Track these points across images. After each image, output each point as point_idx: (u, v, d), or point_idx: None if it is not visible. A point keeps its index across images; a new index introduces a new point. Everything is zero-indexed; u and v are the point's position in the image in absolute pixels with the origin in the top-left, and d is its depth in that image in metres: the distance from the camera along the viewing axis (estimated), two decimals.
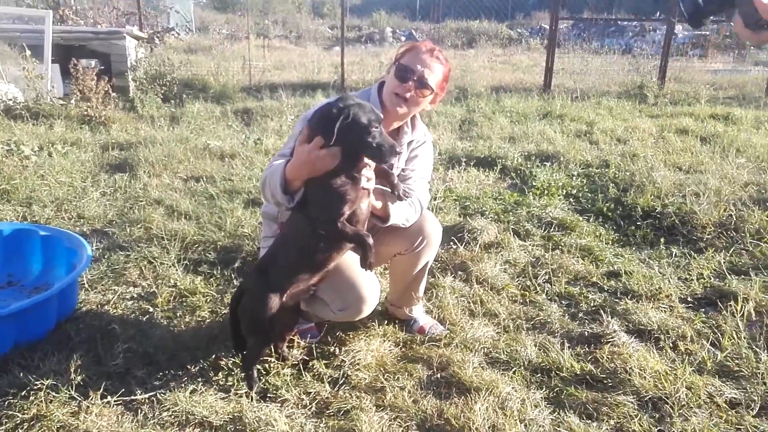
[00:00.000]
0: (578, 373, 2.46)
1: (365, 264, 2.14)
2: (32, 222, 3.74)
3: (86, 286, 3.02)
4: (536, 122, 7.21)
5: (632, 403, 2.26)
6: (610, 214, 4.26)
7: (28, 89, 7.27)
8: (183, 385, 2.26)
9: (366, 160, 2.07)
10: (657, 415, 2.21)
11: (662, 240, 3.86)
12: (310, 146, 1.99)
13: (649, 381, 2.36)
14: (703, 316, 2.95)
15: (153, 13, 12.75)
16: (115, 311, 2.82)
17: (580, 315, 2.98)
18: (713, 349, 2.64)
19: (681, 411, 2.19)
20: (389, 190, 2.26)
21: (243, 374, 2.30)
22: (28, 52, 7.31)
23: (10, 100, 6.99)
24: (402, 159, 2.52)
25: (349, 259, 2.37)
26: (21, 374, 2.19)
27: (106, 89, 7.13)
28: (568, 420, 2.16)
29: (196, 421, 2.07)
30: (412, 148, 2.56)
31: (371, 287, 2.39)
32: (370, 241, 2.12)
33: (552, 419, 2.18)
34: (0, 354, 2.34)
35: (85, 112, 6.83)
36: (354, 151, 2.03)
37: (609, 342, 2.66)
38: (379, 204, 2.28)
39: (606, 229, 4.07)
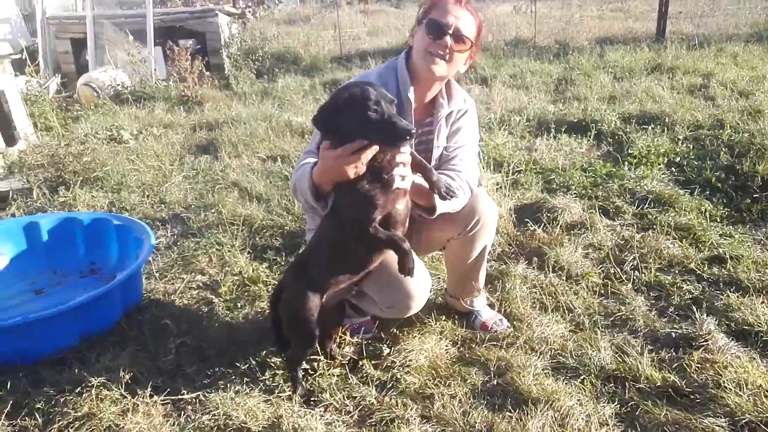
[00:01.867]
0: (659, 384, 2.14)
1: (404, 270, 1.96)
2: (119, 208, 3.93)
3: (155, 274, 3.10)
4: (643, 78, 6.49)
5: (723, 428, 1.92)
6: (719, 185, 3.72)
7: (134, 73, 7.69)
8: (229, 384, 2.24)
9: (398, 158, 1.87)
10: None
11: None
12: (335, 152, 1.83)
13: (747, 400, 2.00)
14: None
15: None
16: (180, 301, 2.87)
17: (670, 311, 2.61)
18: None
19: None
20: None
21: (287, 375, 2.24)
22: (130, 37, 7.72)
23: (119, 85, 7.42)
24: (442, 136, 2.28)
25: (394, 255, 2.20)
26: (78, 370, 2.27)
27: (200, 68, 7.35)
28: None
29: (235, 426, 2.03)
30: (453, 121, 2.31)
31: (420, 282, 2.21)
32: (407, 246, 1.94)
33: None
34: (66, 347, 2.44)
35: (183, 93, 7.09)
36: (362, 137, 1.81)
37: (701, 346, 2.30)
38: (422, 195, 2.08)
39: (713, 203, 3.55)
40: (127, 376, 2.21)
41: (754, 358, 2.23)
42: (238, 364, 2.37)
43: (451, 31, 2.08)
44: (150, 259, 3.21)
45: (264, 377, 2.30)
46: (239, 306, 2.81)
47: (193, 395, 2.19)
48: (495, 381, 2.21)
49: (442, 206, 2.12)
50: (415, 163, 1.98)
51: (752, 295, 2.63)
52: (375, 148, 1.83)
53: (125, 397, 2.14)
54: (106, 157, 4.60)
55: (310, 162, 2.00)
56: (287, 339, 2.23)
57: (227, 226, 3.51)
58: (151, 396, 2.15)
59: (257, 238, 3.45)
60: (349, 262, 2.07)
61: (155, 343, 2.47)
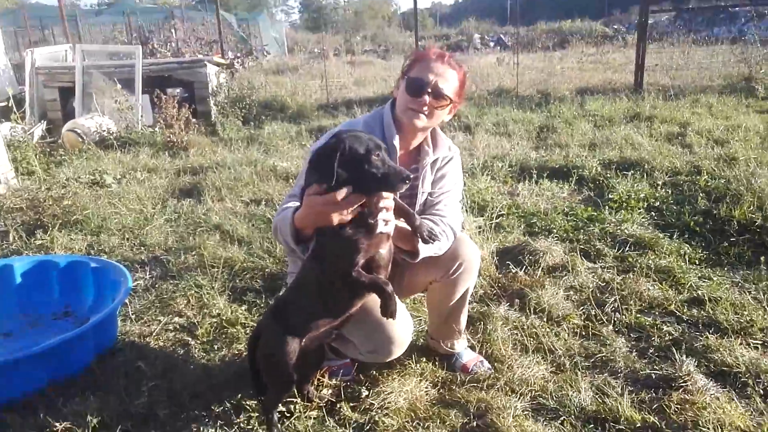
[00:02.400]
0: (639, 425, 2.11)
1: (386, 312, 1.94)
2: (98, 251, 3.88)
3: (131, 317, 3.05)
4: (622, 126, 6.66)
5: None
6: (698, 228, 3.77)
7: (120, 120, 7.75)
8: (202, 428, 2.17)
9: (382, 203, 1.89)
10: None
11: (762, 259, 3.34)
12: (323, 198, 1.82)
13: None
14: None
15: (234, 40, 13.27)
16: (155, 343, 2.81)
17: (650, 352, 2.59)
18: None
19: None
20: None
21: (263, 419, 2.18)
22: (118, 86, 7.83)
23: (104, 131, 7.46)
24: (427, 182, 2.31)
25: (376, 299, 2.19)
26: (43, 415, 2.19)
27: (187, 115, 7.44)
28: None
29: None
30: (438, 167, 2.34)
31: (402, 327, 2.19)
32: (390, 289, 1.92)
33: None
34: (34, 391, 2.37)
35: (168, 139, 7.14)
36: (361, 187, 1.84)
37: (681, 387, 2.28)
38: (405, 239, 2.08)
39: (692, 246, 3.59)
40: (94, 421, 2.14)
41: (733, 399, 2.21)
42: (212, 408, 2.31)
43: (430, 90, 2.12)
44: (126, 301, 3.16)
45: (239, 420, 2.24)
46: (216, 348, 2.76)
47: None
48: (474, 423, 2.17)
49: (424, 250, 2.12)
50: (398, 208, 1.99)
51: (731, 336, 2.63)
52: (362, 198, 1.85)
53: None
54: (87, 201, 4.59)
55: (292, 206, 1.99)
56: (264, 382, 2.18)
57: (207, 268, 3.48)
58: None
59: (237, 281, 3.42)
60: (329, 307, 2.04)
61: (127, 387, 2.40)
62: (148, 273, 3.58)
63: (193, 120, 7.70)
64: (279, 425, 2.17)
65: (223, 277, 3.40)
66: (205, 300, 3.15)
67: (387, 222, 1.93)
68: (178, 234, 4.18)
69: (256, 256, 3.65)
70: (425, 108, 2.13)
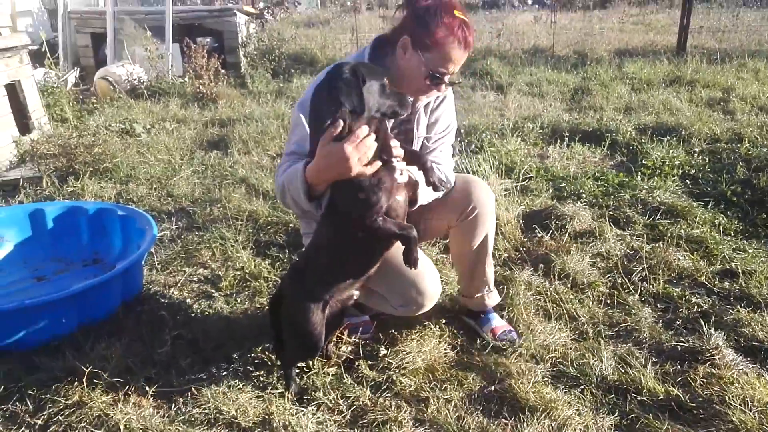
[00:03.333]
0: (662, 398, 2.07)
1: (409, 261, 1.89)
2: (126, 200, 3.93)
3: (157, 266, 3.09)
4: (661, 90, 6.40)
5: None
6: (735, 198, 3.63)
7: (151, 69, 7.74)
8: (222, 379, 2.21)
9: (394, 151, 1.83)
10: None
11: None
12: (341, 142, 1.70)
13: (753, 417, 1.93)
14: None
15: None
16: (179, 294, 2.86)
17: (677, 323, 2.53)
18: None
19: None
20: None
21: (281, 373, 2.20)
22: (148, 33, 7.79)
23: (135, 80, 7.47)
24: (422, 126, 2.23)
25: (400, 251, 2.17)
26: (72, 357, 2.25)
27: (216, 66, 7.38)
28: None
29: (225, 420, 2.00)
30: (432, 110, 2.25)
31: (432, 279, 2.19)
32: (414, 233, 1.88)
33: None
34: (64, 334, 2.43)
35: (198, 90, 7.11)
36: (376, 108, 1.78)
37: (708, 360, 2.23)
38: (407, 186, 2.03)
39: (728, 217, 3.47)
40: (120, 366, 2.19)
41: (763, 375, 2.15)
42: (232, 359, 2.34)
43: (447, 79, 2.02)
44: (153, 250, 3.21)
45: (258, 373, 2.27)
46: (239, 301, 2.79)
47: (185, 388, 2.16)
48: (492, 387, 2.16)
49: (423, 197, 2.08)
50: (408, 152, 1.94)
51: (763, 311, 2.55)
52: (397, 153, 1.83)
53: (116, 386, 2.12)
54: (116, 149, 4.63)
55: (300, 164, 1.88)
56: (285, 342, 2.20)
57: (232, 221, 3.49)
58: (142, 386, 2.13)
59: (261, 234, 3.43)
60: (349, 266, 2.01)
61: (151, 335, 2.45)
62: (174, 223, 3.61)
63: (223, 71, 7.64)
64: (297, 380, 2.19)
65: (247, 231, 3.42)
66: (230, 252, 3.17)
67: (402, 172, 1.89)
68: (205, 186, 4.19)
69: (280, 210, 3.65)
70: (435, 93, 2.07)
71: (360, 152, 1.72)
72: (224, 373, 2.26)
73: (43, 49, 7.98)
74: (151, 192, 4.09)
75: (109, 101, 6.80)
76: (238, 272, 3.02)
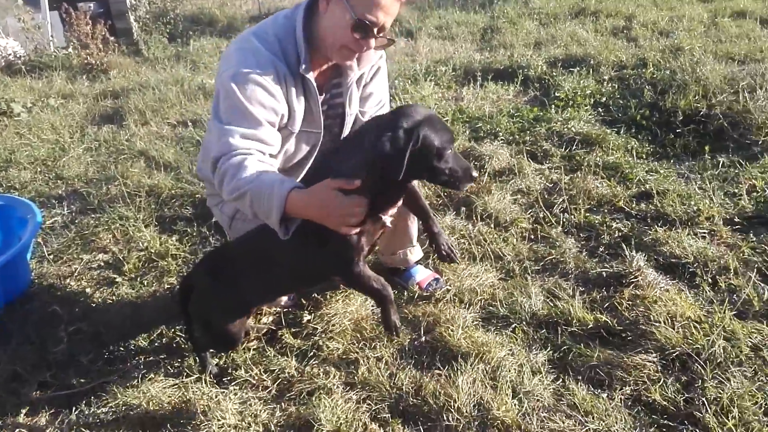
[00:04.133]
0: (591, 326, 2.06)
1: (388, 326, 1.77)
2: (6, 188, 3.52)
3: (48, 257, 2.78)
4: (567, 22, 6.41)
5: (654, 363, 1.85)
6: (644, 122, 3.67)
7: (27, 41, 6.99)
8: (130, 371, 2.00)
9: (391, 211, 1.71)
10: (684, 379, 1.80)
11: (707, 148, 3.29)
12: (348, 203, 1.55)
13: (677, 333, 1.94)
14: (753, 240, 2.46)
15: None
16: (77, 284, 2.58)
17: (600, 250, 2.53)
18: (762, 284, 2.17)
19: (715, 372, 1.77)
20: None
21: (195, 356, 2.02)
22: (20, 1, 7.01)
23: (10, 55, 6.73)
24: (354, 101, 2.03)
25: None
26: None
27: (104, 33, 6.75)
28: (572, 390, 1.78)
29: (136, 416, 1.81)
30: (365, 83, 2.06)
31: None
32: (391, 292, 1.76)
33: (553, 390, 1.81)
34: None
35: (85, 61, 6.50)
36: (412, 179, 1.68)
37: (632, 283, 2.23)
38: None
39: (639, 140, 3.51)
40: (5, 375, 1.94)
41: (682, 290, 2.18)
42: (141, 348, 2.13)
43: (376, 31, 1.76)
44: (41, 240, 2.89)
45: (171, 359, 2.08)
46: (145, 284, 2.55)
47: (87, 387, 1.95)
48: (423, 338, 2.07)
49: None
50: (419, 206, 1.88)
51: (678, 228, 2.59)
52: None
53: (2, 397, 1.87)
54: None
55: (277, 182, 1.63)
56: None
57: (132, 198, 3.19)
58: (35, 394, 1.89)
59: (165, 210, 3.16)
60: (297, 283, 1.94)
61: (42, 334, 2.18)
62: (66, 208, 3.27)
63: (112, 39, 7.01)
64: (214, 361, 2.02)
65: (149, 207, 3.14)
66: (131, 233, 2.90)
67: (393, 218, 1.76)
68: (99, 163, 3.82)
69: (184, 181, 3.37)
70: (365, 49, 1.80)
71: (356, 217, 1.58)
72: (132, 365, 2.05)
73: None
74: (36, 176, 3.68)
75: None
76: (142, 253, 2.76)
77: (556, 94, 4.24)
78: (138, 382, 1.93)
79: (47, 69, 6.37)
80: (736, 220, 2.64)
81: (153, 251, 2.75)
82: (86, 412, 1.84)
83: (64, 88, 5.67)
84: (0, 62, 6.57)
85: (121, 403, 1.85)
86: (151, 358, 2.08)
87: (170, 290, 2.47)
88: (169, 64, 6.44)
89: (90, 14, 6.81)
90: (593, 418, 1.69)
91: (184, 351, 2.09)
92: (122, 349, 2.13)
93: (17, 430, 1.74)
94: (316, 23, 1.83)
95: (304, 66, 1.81)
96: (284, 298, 2.19)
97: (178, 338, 2.15)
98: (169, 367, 2.03)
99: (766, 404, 1.68)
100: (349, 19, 1.71)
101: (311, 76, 1.86)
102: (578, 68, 4.71)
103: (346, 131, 2.08)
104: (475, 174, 1.68)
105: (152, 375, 1.97)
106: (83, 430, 1.76)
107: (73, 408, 1.87)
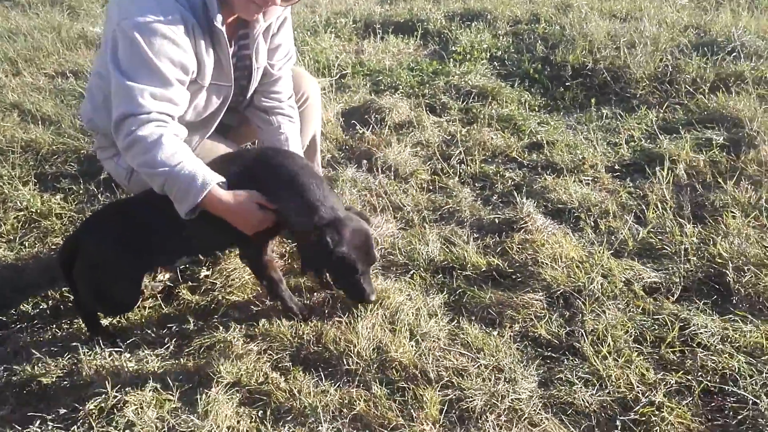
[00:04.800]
0: (484, 269, 2.16)
1: (293, 313, 1.95)
2: None
3: None
4: None
5: (541, 301, 1.99)
6: (537, 76, 3.82)
7: None
8: (11, 338, 1.87)
9: None
10: (567, 314, 1.94)
11: (593, 101, 3.49)
12: (262, 218, 1.77)
13: (562, 272, 2.08)
14: (630, 186, 2.66)
15: None
16: None
17: (494, 198, 2.65)
18: (636, 226, 2.36)
19: (594, 306, 1.93)
20: None
21: (84, 321, 1.92)
22: None
23: None
24: (261, 54, 1.98)
25: (216, 150, 2.04)
26: None
27: None
28: (466, 330, 1.88)
29: (19, 381, 1.71)
30: (272, 35, 2.01)
31: None
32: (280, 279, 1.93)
33: (449, 331, 1.90)
34: None
35: None
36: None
37: (522, 228, 2.35)
38: None
39: (532, 93, 3.66)
40: None
41: (568, 234, 2.33)
42: (24, 313, 2.00)
43: None
44: None
45: (59, 321, 1.97)
46: (26, 245, 2.38)
47: None
48: (324, 292, 2.08)
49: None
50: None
51: (566, 175, 2.75)
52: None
53: None
54: None
55: (193, 168, 1.66)
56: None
57: (6, 155, 2.93)
58: None
59: (46, 167, 2.93)
60: (196, 248, 1.96)
61: None
62: None
63: None
64: (105, 322, 1.93)
65: (27, 164, 2.90)
66: (7, 192, 2.67)
67: None
68: None
69: (67, 136, 3.13)
70: (269, 3, 1.73)
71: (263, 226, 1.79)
72: (15, 330, 1.92)
73: None
74: None
75: None
76: (21, 213, 2.56)
77: (455, 48, 4.30)
78: (20, 348, 1.82)
79: None
80: (616, 167, 2.84)
81: (34, 210, 2.56)
82: None
83: None
84: None
85: (3, 368, 1.73)
86: (37, 322, 1.96)
87: (54, 252, 2.31)
88: (43, 9, 5.85)
89: None
90: (485, 355, 1.79)
91: (73, 315, 1.98)
92: (2, 316, 1.98)
93: None
94: None
95: (218, 17, 1.73)
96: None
97: (67, 299, 2.03)
98: (57, 330, 1.92)
99: (635, 333, 1.85)
100: None
101: (222, 27, 1.77)
102: (476, 23, 4.79)
103: (253, 84, 2.06)
104: (372, 299, 1.85)
105: (39, 339, 1.86)
106: None
107: None
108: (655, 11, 4.66)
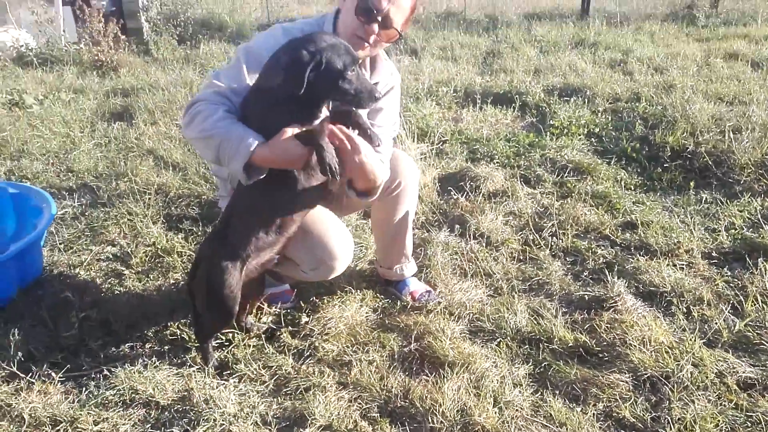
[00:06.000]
0: (571, 345, 2.20)
1: (324, 168, 1.81)
2: (19, 177, 3.64)
3: (59, 246, 2.90)
4: (567, 52, 6.63)
5: (627, 382, 1.99)
6: (634, 155, 3.84)
7: (40, 35, 7.12)
8: (136, 358, 2.12)
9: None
10: (654, 399, 1.94)
11: (692, 184, 3.46)
12: (302, 150, 1.80)
13: (650, 356, 2.08)
14: (728, 275, 2.62)
15: None
16: (86, 274, 2.69)
17: (585, 274, 2.68)
18: (732, 317, 2.32)
19: (682, 394, 1.92)
20: None
21: (197, 348, 2.14)
22: None
23: (22, 46, 6.86)
24: (363, 111, 2.19)
25: (317, 214, 2.15)
26: None
27: (116, 32, 6.90)
28: (550, 403, 1.92)
29: (141, 400, 1.93)
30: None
31: (343, 242, 2.15)
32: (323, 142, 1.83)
33: (532, 402, 1.94)
34: None
35: (96, 57, 6.63)
36: (322, 97, 1.84)
37: (611, 307, 2.37)
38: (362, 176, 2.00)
39: (628, 172, 3.68)
40: (20, 353, 2.05)
41: (658, 317, 2.32)
42: (147, 338, 2.26)
43: (380, 18, 1.92)
44: (53, 230, 3.01)
45: (175, 349, 2.20)
46: (151, 277, 2.67)
47: (97, 370, 2.06)
48: (413, 346, 2.20)
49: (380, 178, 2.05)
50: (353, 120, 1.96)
51: (659, 258, 2.74)
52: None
53: (18, 375, 1.99)
54: (3, 122, 4.25)
55: (244, 134, 1.80)
56: (200, 312, 2.13)
57: (140, 195, 3.32)
58: (47, 373, 2.01)
59: (172, 208, 3.29)
60: (270, 226, 1.99)
61: (55, 318, 2.30)
62: (76, 200, 3.39)
63: (123, 37, 7.17)
64: (215, 354, 2.14)
65: (157, 205, 3.26)
66: (139, 228, 3.02)
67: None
68: (109, 159, 3.95)
69: (191, 182, 3.51)
70: (372, 38, 1.97)
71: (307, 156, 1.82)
72: (139, 353, 2.18)
73: None
74: (48, 168, 3.81)
75: None
76: (149, 248, 2.89)
77: (552, 122, 4.41)
78: (143, 368, 2.05)
79: (58, 63, 6.52)
80: (714, 254, 2.80)
81: (160, 247, 2.87)
82: (95, 393, 1.95)
83: (75, 83, 5.81)
84: (12, 53, 6.69)
85: (127, 387, 1.96)
86: (156, 348, 2.20)
87: (176, 285, 2.59)
88: (177, 66, 6.59)
89: (103, 12, 6.96)
90: (567, 430, 1.82)
91: (188, 344, 2.21)
92: (129, 337, 2.25)
93: (30, 405, 1.86)
94: (339, 21, 2.03)
95: None
96: (275, 255, 2.17)
97: (182, 331, 2.27)
98: (173, 357, 2.15)
99: (725, 427, 1.82)
100: (355, 2, 1.91)
101: None
102: (575, 98, 4.90)
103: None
104: (378, 94, 1.83)
105: (157, 363, 2.08)
106: (92, 408, 1.88)
107: (83, 389, 1.98)
108: (765, 96, 4.57)
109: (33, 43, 6.98)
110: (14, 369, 1.99)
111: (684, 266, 2.69)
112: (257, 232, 1.98)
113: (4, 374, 1.98)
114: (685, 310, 2.39)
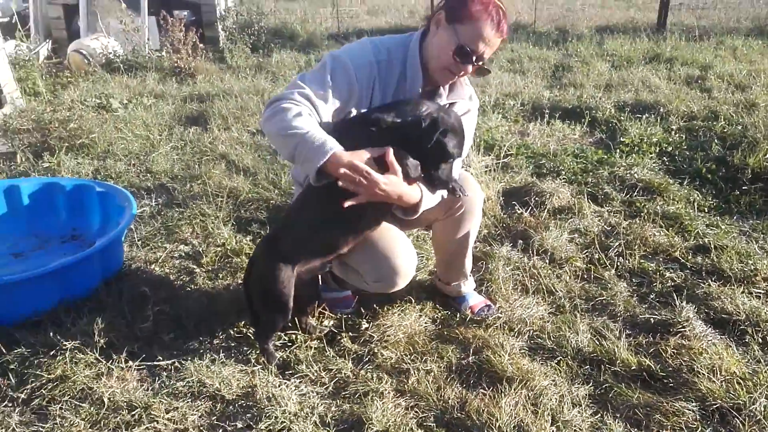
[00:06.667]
0: (634, 368, 2.14)
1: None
2: (104, 176, 3.88)
3: (138, 243, 3.07)
4: (640, 67, 6.45)
5: (693, 411, 1.93)
6: (710, 176, 3.70)
7: (126, 42, 7.56)
8: (205, 353, 2.23)
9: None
10: (723, 431, 1.86)
11: None
12: (389, 183, 1.86)
13: (720, 386, 2.00)
14: None
15: None
16: (161, 270, 2.85)
17: (651, 297, 2.61)
18: None
19: (753, 428, 1.84)
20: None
21: (259, 348, 2.23)
22: (123, 5, 7.60)
23: (111, 53, 7.30)
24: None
25: (383, 228, 2.19)
26: (53, 333, 2.25)
27: (194, 40, 7.24)
28: (610, 425, 1.88)
29: (209, 393, 2.02)
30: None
31: (407, 258, 2.19)
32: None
33: (591, 423, 1.91)
34: (44, 310, 2.42)
35: (176, 64, 6.98)
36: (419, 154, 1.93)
37: (679, 332, 2.30)
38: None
39: (702, 194, 3.55)
40: (102, 341, 2.20)
41: (730, 346, 2.23)
42: (215, 334, 2.36)
43: (475, 59, 1.97)
44: (133, 227, 3.19)
45: (241, 347, 2.29)
46: (221, 277, 2.79)
47: (169, 362, 2.18)
48: (471, 359, 2.21)
49: (425, 202, 2.06)
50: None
51: (733, 284, 2.63)
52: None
53: (100, 361, 2.13)
54: (93, 125, 4.54)
55: (324, 134, 1.85)
56: (257, 311, 2.22)
57: (212, 197, 3.47)
58: (126, 361, 2.15)
59: (242, 211, 3.42)
60: (324, 240, 2.07)
61: (133, 311, 2.44)
62: (153, 200, 3.58)
63: (201, 45, 7.50)
64: (276, 354, 2.22)
65: (228, 207, 3.41)
66: (210, 229, 3.17)
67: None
68: (184, 162, 4.15)
69: (261, 187, 3.64)
70: (463, 73, 2.03)
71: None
72: (207, 348, 2.28)
73: (14, 21, 7.74)
74: (129, 168, 4.04)
75: (84, 75, 6.66)
76: (219, 248, 3.02)
77: (622, 139, 4.31)
78: (211, 363, 2.15)
79: (142, 69, 6.89)
80: None
81: (229, 248, 3.00)
82: (167, 383, 2.07)
83: (156, 88, 6.12)
84: (101, 59, 7.13)
85: (196, 379, 2.06)
86: (224, 344, 2.30)
87: (242, 286, 2.70)
88: (250, 73, 6.84)
89: (184, 22, 7.31)
90: None
91: (253, 342, 2.30)
92: (198, 333, 2.36)
93: (110, 390, 1.99)
94: (426, 43, 2.06)
95: (419, 82, 2.06)
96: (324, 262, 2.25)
97: (248, 330, 2.36)
98: (239, 354, 2.25)
99: None
100: (454, 43, 1.94)
101: (419, 88, 2.08)
102: (647, 115, 4.77)
103: None
104: (460, 194, 2.03)
105: (224, 359, 2.18)
106: (164, 397, 1.99)
107: (156, 378, 2.10)
108: None
109: (120, 50, 7.41)
110: (97, 355, 2.13)
111: (761, 295, 2.57)
112: (309, 243, 2.07)
113: (86, 359, 2.12)
114: (760, 340, 2.29)
